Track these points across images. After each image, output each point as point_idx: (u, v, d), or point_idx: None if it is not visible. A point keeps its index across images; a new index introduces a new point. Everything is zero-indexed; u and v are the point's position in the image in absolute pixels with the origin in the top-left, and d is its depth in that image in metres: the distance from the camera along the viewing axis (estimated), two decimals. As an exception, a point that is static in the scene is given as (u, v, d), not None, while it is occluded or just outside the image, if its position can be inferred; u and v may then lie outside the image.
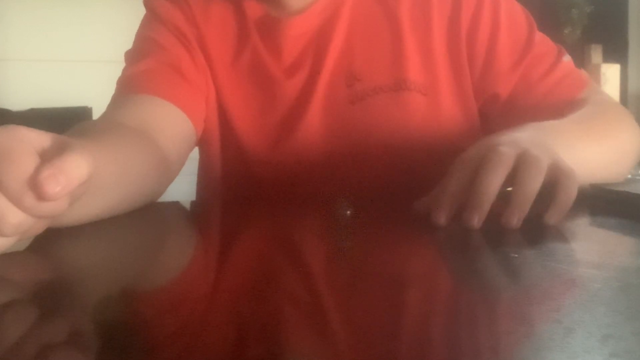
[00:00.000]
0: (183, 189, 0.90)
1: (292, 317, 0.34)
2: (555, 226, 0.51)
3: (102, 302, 0.38)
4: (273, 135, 0.81)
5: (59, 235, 0.51)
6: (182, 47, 0.81)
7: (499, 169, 0.51)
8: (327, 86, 0.80)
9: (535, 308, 0.35)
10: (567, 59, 0.81)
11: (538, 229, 0.51)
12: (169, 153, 0.72)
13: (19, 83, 2.65)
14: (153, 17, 0.84)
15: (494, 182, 0.50)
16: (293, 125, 0.80)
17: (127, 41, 0.86)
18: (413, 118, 0.79)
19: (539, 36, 0.81)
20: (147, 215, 0.64)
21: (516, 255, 0.45)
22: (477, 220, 0.50)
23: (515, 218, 0.50)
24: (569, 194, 0.51)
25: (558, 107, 0.74)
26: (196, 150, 0.88)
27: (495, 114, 0.82)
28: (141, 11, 0.86)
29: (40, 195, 0.40)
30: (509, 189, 0.51)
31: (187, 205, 0.74)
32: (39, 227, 0.45)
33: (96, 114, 2.48)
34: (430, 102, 0.80)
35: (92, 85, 2.33)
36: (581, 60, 2.89)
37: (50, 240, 0.49)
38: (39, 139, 0.44)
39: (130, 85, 0.78)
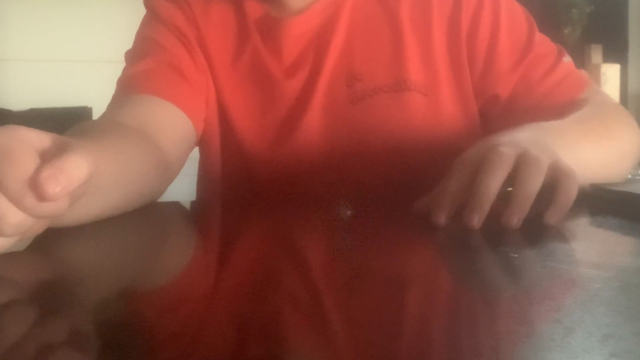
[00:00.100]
0: (183, 189, 0.90)
1: (292, 317, 0.34)
2: (555, 226, 0.51)
3: (102, 302, 0.38)
4: (273, 135, 0.81)
5: (59, 235, 0.50)
6: (182, 47, 0.81)
7: (499, 169, 0.51)
8: (327, 86, 0.80)
9: (535, 308, 0.35)
10: (567, 59, 0.81)
11: (538, 229, 0.51)
12: (169, 153, 0.72)
13: (19, 83, 2.65)
14: (153, 17, 0.84)
15: (494, 183, 0.50)
16: (293, 125, 0.80)
17: (127, 41, 0.86)
18: (413, 118, 0.79)
19: (539, 36, 0.81)
20: (147, 215, 0.64)
21: (516, 255, 0.45)
22: (477, 220, 0.50)
23: (515, 218, 0.50)
24: (569, 194, 0.51)
25: (558, 107, 0.74)
26: (196, 150, 0.88)
27: (496, 114, 0.82)
28: (141, 11, 0.86)
29: (41, 196, 0.40)
30: (509, 189, 0.51)
31: (187, 205, 0.74)
32: (39, 227, 0.45)
33: (96, 114, 2.48)
34: (431, 102, 0.80)
35: (92, 85, 2.34)
36: (581, 60, 2.89)
37: (50, 240, 0.49)
38: (39, 139, 0.44)
39: (130, 85, 0.78)
